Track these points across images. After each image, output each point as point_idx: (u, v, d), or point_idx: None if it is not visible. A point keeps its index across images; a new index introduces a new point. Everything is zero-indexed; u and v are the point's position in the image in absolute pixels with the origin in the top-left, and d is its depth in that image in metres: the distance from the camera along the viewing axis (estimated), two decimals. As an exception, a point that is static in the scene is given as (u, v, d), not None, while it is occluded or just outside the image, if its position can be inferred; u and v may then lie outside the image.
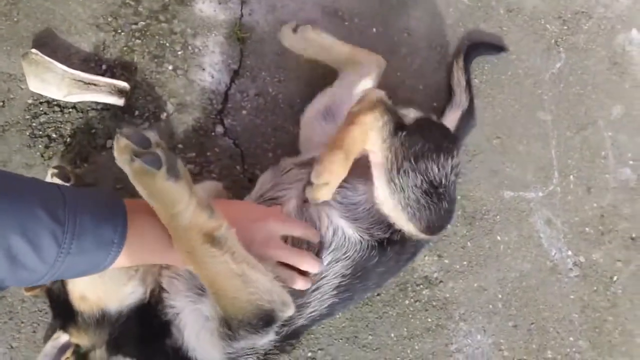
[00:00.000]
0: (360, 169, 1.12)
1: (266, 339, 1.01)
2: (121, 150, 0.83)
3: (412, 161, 1.04)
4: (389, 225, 1.10)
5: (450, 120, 1.35)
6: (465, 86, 1.38)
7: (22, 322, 1.27)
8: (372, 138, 1.05)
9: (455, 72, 1.40)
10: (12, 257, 0.72)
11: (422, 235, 1.11)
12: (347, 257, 1.09)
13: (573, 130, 1.47)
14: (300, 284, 1.04)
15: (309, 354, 1.33)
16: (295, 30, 1.32)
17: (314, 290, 1.09)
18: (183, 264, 0.95)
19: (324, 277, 1.09)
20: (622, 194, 1.45)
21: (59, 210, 0.75)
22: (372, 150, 1.06)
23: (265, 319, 0.95)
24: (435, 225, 1.09)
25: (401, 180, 1.03)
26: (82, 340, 1.05)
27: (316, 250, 1.08)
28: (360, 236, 1.09)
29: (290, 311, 0.99)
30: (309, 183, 1.05)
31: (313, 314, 1.10)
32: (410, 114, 1.18)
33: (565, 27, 1.49)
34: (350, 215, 1.10)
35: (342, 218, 1.10)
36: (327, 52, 1.32)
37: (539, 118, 1.46)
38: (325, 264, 1.09)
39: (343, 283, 1.10)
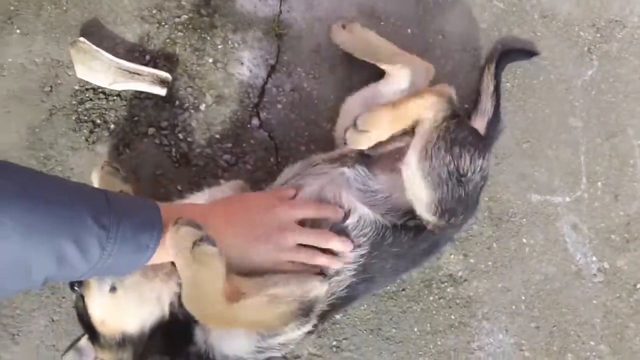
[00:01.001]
0: (385, 161, 1.18)
1: (307, 327, 1.06)
2: (183, 238, 0.90)
3: (449, 143, 1.09)
4: (405, 213, 1.14)
5: (478, 127, 1.37)
6: (493, 92, 1.40)
7: (64, 298, 1.33)
8: (426, 115, 1.12)
9: (485, 77, 1.42)
10: (61, 258, 0.79)
11: (431, 216, 1.12)
12: (363, 234, 1.12)
13: (602, 137, 1.48)
14: (323, 261, 1.07)
15: (334, 343, 1.37)
16: (344, 27, 1.35)
17: (333, 276, 1.11)
18: None
19: (344, 260, 1.12)
20: (650, 202, 1.47)
21: (104, 217, 0.82)
22: (420, 124, 1.12)
23: (307, 309, 1.02)
24: (445, 206, 1.11)
25: (433, 152, 1.09)
26: (107, 357, 1.10)
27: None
28: (375, 217, 1.13)
29: (324, 286, 1.06)
30: (352, 125, 1.11)
31: (334, 297, 1.12)
32: None
33: (599, 35, 1.50)
34: (368, 201, 1.14)
35: (359, 201, 1.13)
36: (374, 51, 1.34)
37: (570, 124, 1.48)
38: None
39: (360, 263, 1.12)
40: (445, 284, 1.40)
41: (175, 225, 0.90)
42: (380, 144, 1.18)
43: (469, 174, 1.11)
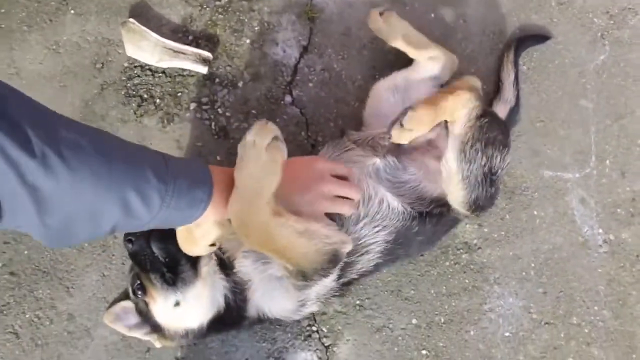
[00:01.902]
0: (415, 152, 1.28)
1: (330, 279, 1.18)
2: (268, 130, 1.04)
3: (484, 144, 1.20)
4: (431, 202, 1.26)
5: (500, 113, 1.45)
6: (514, 80, 1.49)
7: (113, 255, 1.47)
8: (461, 113, 1.21)
9: (505, 65, 1.51)
10: (126, 207, 0.87)
11: (463, 210, 1.26)
12: (390, 225, 1.25)
13: (612, 119, 1.57)
14: (346, 209, 1.20)
15: (357, 302, 1.50)
16: (381, 14, 1.40)
17: (362, 254, 1.25)
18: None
19: (372, 242, 1.25)
20: (654, 180, 1.57)
21: (163, 173, 0.91)
22: (455, 122, 1.21)
23: (332, 260, 1.12)
24: (478, 204, 1.24)
25: (471, 155, 1.19)
26: (169, 344, 1.26)
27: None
28: (404, 207, 1.25)
29: (349, 246, 1.17)
30: (397, 123, 1.19)
31: (361, 269, 1.27)
32: None
33: (612, 22, 1.59)
34: (397, 191, 1.25)
35: (389, 192, 1.25)
36: (406, 40, 1.39)
37: (581, 105, 1.57)
38: (373, 231, 1.24)
39: (387, 248, 1.26)
40: (461, 250, 1.52)
41: (262, 120, 1.04)
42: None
43: (499, 172, 1.23)
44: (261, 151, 1.01)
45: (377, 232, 1.25)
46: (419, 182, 1.26)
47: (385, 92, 1.38)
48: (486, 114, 1.22)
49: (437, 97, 1.23)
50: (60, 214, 0.82)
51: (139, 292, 1.19)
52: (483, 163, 1.20)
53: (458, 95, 1.21)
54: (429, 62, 1.38)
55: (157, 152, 0.98)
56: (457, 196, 1.24)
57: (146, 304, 1.20)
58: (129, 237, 1.15)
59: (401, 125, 1.18)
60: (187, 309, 1.20)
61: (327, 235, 1.12)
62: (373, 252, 1.26)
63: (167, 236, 1.14)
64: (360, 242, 1.24)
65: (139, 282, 1.18)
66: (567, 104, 1.57)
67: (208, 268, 1.21)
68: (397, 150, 1.27)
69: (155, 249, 1.15)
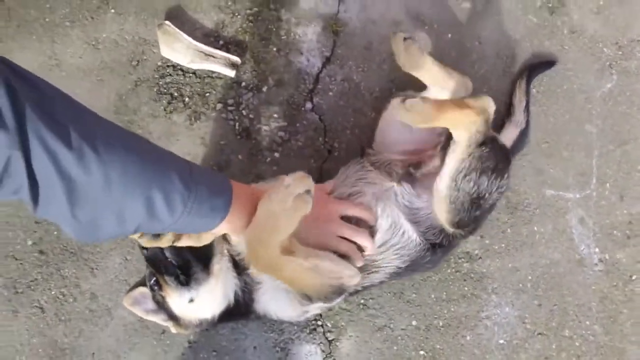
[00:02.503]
0: (427, 180, 1.34)
1: (337, 301, 1.31)
2: (302, 182, 1.10)
3: (478, 174, 1.23)
4: (440, 231, 1.33)
5: (508, 136, 1.53)
6: (525, 107, 1.57)
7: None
8: (462, 136, 1.22)
9: (517, 92, 1.58)
10: (151, 207, 0.91)
11: (447, 227, 1.32)
12: (407, 254, 1.34)
13: (615, 144, 1.65)
14: (357, 258, 1.28)
15: (362, 301, 1.59)
16: (405, 40, 1.40)
17: (372, 273, 1.34)
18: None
19: (385, 266, 1.34)
20: (652, 205, 1.65)
21: (187, 179, 0.96)
22: (456, 144, 1.23)
23: (336, 292, 1.24)
24: (462, 223, 1.30)
25: (461, 184, 1.23)
26: (184, 332, 1.35)
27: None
28: (420, 239, 1.33)
29: (356, 279, 1.26)
30: (403, 98, 1.22)
31: (367, 284, 1.37)
32: None
33: (620, 52, 1.67)
34: (413, 218, 1.32)
35: (407, 221, 1.32)
36: (421, 71, 1.43)
37: (586, 130, 1.65)
38: (390, 257, 1.34)
39: (396, 272, 1.36)
40: (462, 259, 1.61)
41: (303, 172, 1.10)
42: (422, 165, 1.36)
43: (487, 196, 1.28)
44: (290, 197, 1.06)
45: (395, 259, 1.34)
46: (431, 209, 1.32)
47: (395, 118, 1.39)
48: (487, 142, 1.23)
49: (447, 105, 1.24)
50: (90, 207, 0.87)
51: (155, 288, 1.27)
52: (472, 192, 1.23)
53: (465, 115, 1.21)
54: (441, 87, 1.44)
55: (182, 158, 1.03)
56: (442, 217, 1.30)
57: (163, 297, 1.28)
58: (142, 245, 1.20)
59: (403, 101, 1.21)
60: (200, 303, 1.28)
61: (334, 271, 1.21)
62: (382, 273, 1.36)
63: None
64: (375, 263, 1.33)
65: (155, 278, 1.26)
66: (572, 127, 1.65)
67: (220, 266, 1.28)
68: (411, 178, 1.35)
69: (168, 254, 1.22)
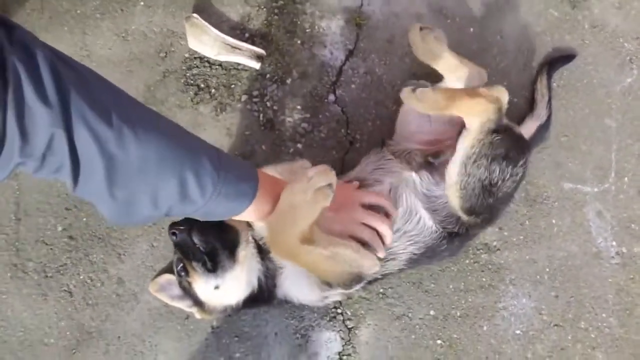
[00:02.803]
0: (444, 169, 1.34)
1: (356, 288, 1.34)
2: (324, 175, 1.12)
3: (489, 160, 1.26)
4: (457, 219, 1.36)
5: (528, 129, 1.55)
6: (547, 102, 1.59)
7: (163, 228, 1.61)
8: (474, 123, 1.25)
9: (539, 87, 1.60)
10: (183, 188, 0.94)
11: (460, 214, 1.34)
12: (422, 241, 1.37)
13: (634, 139, 1.67)
14: (379, 247, 1.31)
15: (381, 290, 1.62)
16: (421, 29, 1.44)
17: (389, 260, 1.37)
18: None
19: (401, 252, 1.37)
20: (670, 199, 1.66)
21: (216, 162, 0.99)
22: (467, 131, 1.27)
23: (355, 279, 1.27)
24: (473, 211, 1.32)
25: (472, 169, 1.26)
26: (208, 317, 1.39)
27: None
28: (437, 227, 1.36)
29: (375, 268, 1.29)
30: (414, 87, 1.27)
31: (386, 272, 1.40)
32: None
33: (641, 48, 1.68)
34: (431, 206, 1.35)
35: (424, 209, 1.35)
36: (437, 60, 1.46)
37: (605, 124, 1.67)
38: (405, 244, 1.36)
39: (413, 258, 1.39)
40: (481, 250, 1.63)
41: (327, 165, 1.14)
42: (441, 154, 1.37)
43: (500, 183, 1.30)
44: (311, 189, 1.09)
45: (409, 245, 1.37)
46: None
47: (413, 111, 1.41)
48: (500, 131, 1.25)
49: (458, 93, 1.27)
50: (127, 186, 0.91)
51: (182, 274, 1.30)
52: (483, 178, 1.25)
53: (476, 103, 1.24)
54: (457, 77, 1.46)
55: (211, 145, 1.07)
56: (453, 202, 1.32)
57: (189, 283, 1.31)
58: (172, 230, 1.24)
59: (414, 90, 1.26)
60: (226, 290, 1.31)
61: (354, 259, 1.23)
62: (399, 260, 1.38)
63: (208, 229, 1.25)
64: (391, 250, 1.35)
65: (182, 264, 1.29)
66: (592, 121, 1.66)
67: (245, 252, 1.31)
68: (430, 166, 1.38)
69: (196, 240, 1.24)
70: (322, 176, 1.12)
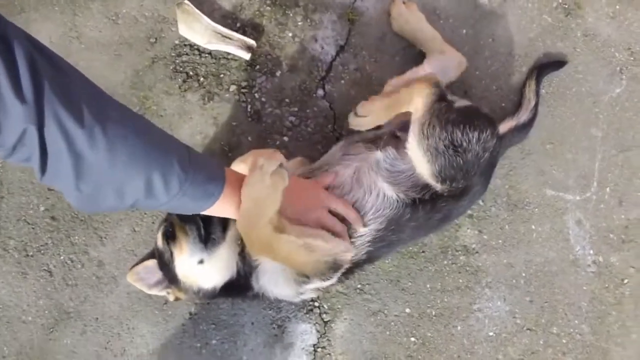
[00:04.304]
0: None
1: (332, 281, 1.33)
2: (274, 158, 1.15)
3: (442, 122, 1.30)
4: (422, 187, 1.35)
5: (505, 126, 1.55)
6: (533, 106, 1.59)
7: (145, 214, 1.62)
8: (418, 102, 1.33)
9: (526, 92, 1.61)
10: (149, 186, 0.96)
11: (435, 183, 1.33)
12: (382, 215, 1.35)
13: (618, 149, 1.68)
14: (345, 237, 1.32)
15: (359, 286, 1.64)
16: (404, 3, 1.57)
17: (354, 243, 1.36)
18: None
19: (362, 234, 1.36)
20: (649, 212, 1.68)
21: (185, 163, 1.01)
22: (417, 110, 1.33)
23: (332, 267, 1.27)
24: (445, 174, 1.31)
25: (429, 131, 1.30)
26: (182, 296, 1.39)
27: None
28: (397, 195, 1.35)
29: (349, 255, 1.30)
30: (353, 112, 1.38)
31: (354, 258, 1.36)
32: (458, 102, 1.42)
33: (632, 59, 1.68)
34: (393, 180, 1.36)
35: (386, 182, 1.35)
36: (419, 34, 1.56)
37: (591, 133, 1.68)
38: (366, 220, 1.35)
39: (377, 236, 1.36)
40: (459, 252, 1.65)
41: (272, 149, 1.17)
42: (408, 125, 1.38)
43: (465, 144, 1.31)
44: (266, 176, 1.12)
45: (370, 222, 1.35)
46: (414, 170, 1.35)
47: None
48: (443, 99, 1.34)
49: (392, 91, 1.38)
50: (93, 181, 0.93)
51: (169, 240, 1.29)
52: (443, 137, 1.29)
53: (411, 87, 1.35)
54: (437, 59, 1.51)
55: (183, 144, 1.08)
56: (424, 170, 1.33)
57: (172, 255, 1.30)
58: None
59: (355, 112, 1.36)
60: (207, 268, 1.31)
61: (327, 248, 1.25)
62: (362, 242, 1.36)
63: None
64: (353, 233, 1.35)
65: (171, 229, 1.29)
66: (578, 130, 1.67)
67: (232, 233, 1.32)
68: (396, 140, 1.39)
69: None
70: (272, 160, 1.14)
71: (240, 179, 1.15)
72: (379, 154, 1.37)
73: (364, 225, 1.34)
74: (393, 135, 1.41)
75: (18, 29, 0.86)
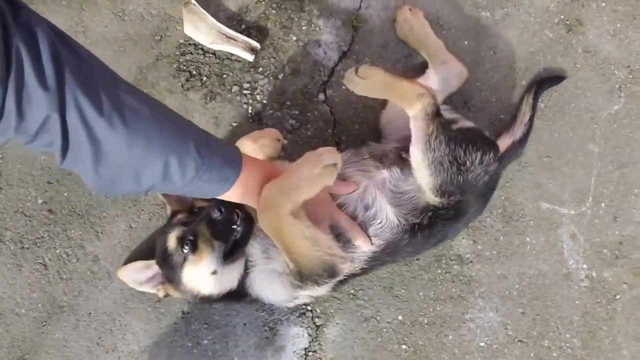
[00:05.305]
0: None
1: (325, 289, 1.33)
2: (333, 154, 1.19)
3: (446, 138, 1.30)
4: (422, 211, 1.37)
5: (502, 143, 1.56)
6: (528, 120, 1.61)
7: (142, 210, 1.63)
8: (416, 105, 1.30)
9: (523, 106, 1.63)
10: (166, 170, 0.99)
11: (433, 196, 1.34)
12: (382, 237, 1.37)
13: (615, 166, 1.69)
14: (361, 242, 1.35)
15: (352, 291, 1.64)
16: (411, 10, 1.59)
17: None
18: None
19: (361, 252, 1.37)
20: (643, 229, 1.69)
21: (202, 148, 1.03)
22: (414, 116, 1.31)
23: (327, 270, 1.27)
24: (445, 189, 1.33)
25: (435, 144, 1.30)
26: (174, 295, 1.40)
27: None
28: (398, 220, 1.37)
29: (347, 265, 1.31)
30: (354, 68, 1.32)
31: (349, 272, 1.39)
32: (462, 122, 1.45)
33: (631, 76, 1.70)
34: (396, 201, 1.37)
35: (389, 204, 1.36)
36: (423, 41, 1.58)
37: (588, 148, 1.69)
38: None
39: (374, 256, 1.38)
40: (453, 261, 1.66)
41: (329, 147, 1.20)
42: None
43: (468, 164, 1.32)
44: (320, 165, 1.16)
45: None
46: (416, 192, 1.37)
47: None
48: (441, 115, 1.32)
49: (399, 79, 1.35)
50: (112, 166, 0.96)
51: (187, 248, 1.29)
52: (447, 152, 1.29)
53: (413, 85, 1.33)
54: (441, 66, 1.53)
55: (201, 129, 1.10)
56: (425, 182, 1.33)
57: (184, 260, 1.31)
58: (219, 207, 1.26)
59: (356, 70, 1.31)
60: (217, 279, 1.32)
61: (330, 247, 1.26)
62: (359, 261, 1.38)
63: (249, 219, 1.29)
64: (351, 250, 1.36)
65: (192, 238, 1.29)
66: (575, 145, 1.69)
67: (251, 250, 1.34)
68: (401, 161, 1.40)
69: (239, 228, 1.28)
70: (332, 155, 1.19)
71: (258, 165, 1.17)
72: (385, 173, 1.38)
73: (372, 243, 1.36)
74: (399, 156, 1.42)
75: (40, 17, 0.88)
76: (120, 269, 1.39)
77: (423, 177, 1.33)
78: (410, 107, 1.32)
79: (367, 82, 1.32)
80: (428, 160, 1.30)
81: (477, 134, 1.41)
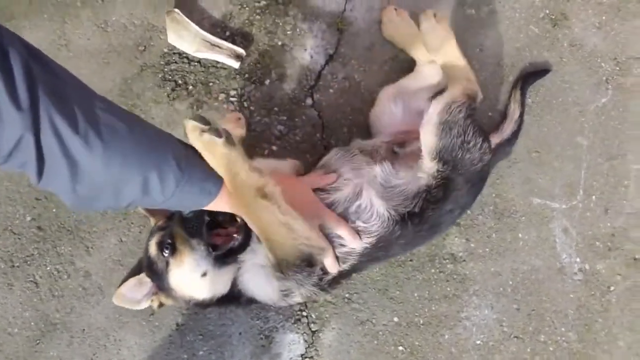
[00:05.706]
0: (408, 158, 1.40)
1: (311, 280, 1.29)
2: (191, 129, 1.08)
3: (466, 112, 1.34)
4: (413, 198, 1.35)
5: (492, 141, 1.54)
6: (518, 117, 1.61)
7: (132, 223, 1.61)
8: (458, 82, 1.40)
9: (512, 103, 1.63)
10: (145, 186, 0.97)
11: (429, 159, 1.34)
12: (373, 232, 1.35)
13: (604, 158, 1.70)
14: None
15: (346, 295, 1.64)
16: (396, 10, 1.60)
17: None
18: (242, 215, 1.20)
19: (353, 247, 1.35)
20: (635, 220, 1.69)
21: (182, 161, 1.01)
22: (451, 86, 1.38)
23: (306, 260, 1.23)
24: (443, 156, 1.33)
25: (455, 110, 1.34)
26: (167, 302, 1.37)
27: None
28: (388, 213, 1.35)
29: (327, 255, 1.28)
30: (427, 12, 1.43)
31: (340, 269, 1.37)
32: None
33: (618, 68, 1.70)
34: (386, 195, 1.36)
35: (379, 198, 1.35)
36: (409, 41, 1.58)
37: (577, 142, 1.70)
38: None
39: (366, 252, 1.36)
40: (447, 261, 1.66)
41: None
42: (407, 144, 1.42)
43: (471, 144, 1.34)
44: (215, 144, 1.07)
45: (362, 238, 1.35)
46: (406, 185, 1.36)
47: (387, 101, 1.53)
48: (474, 99, 1.39)
49: (459, 53, 1.44)
50: (90, 184, 0.94)
51: (167, 252, 1.27)
52: (461, 123, 1.33)
53: (467, 69, 1.44)
54: (428, 64, 1.52)
55: (181, 141, 1.08)
56: (428, 141, 1.34)
57: (167, 265, 1.28)
58: (236, 235, 1.24)
59: (426, 13, 1.42)
60: (208, 281, 1.29)
61: (308, 237, 1.20)
62: (351, 257, 1.36)
63: (250, 230, 1.23)
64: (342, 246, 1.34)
65: (170, 241, 1.27)
66: (564, 139, 1.69)
67: (245, 258, 1.31)
68: (393, 155, 1.41)
69: (239, 236, 1.26)
70: (195, 127, 1.09)
71: None
72: (377, 169, 1.37)
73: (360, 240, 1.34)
74: (390, 150, 1.42)
75: (13, 34, 0.86)
76: (114, 294, 1.37)
77: (428, 134, 1.34)
78: (460, 69, 1.42)
79: (441, 27, 1.42)
80: (442, 119, 1.33)
81: (480, 123, 1.44)
